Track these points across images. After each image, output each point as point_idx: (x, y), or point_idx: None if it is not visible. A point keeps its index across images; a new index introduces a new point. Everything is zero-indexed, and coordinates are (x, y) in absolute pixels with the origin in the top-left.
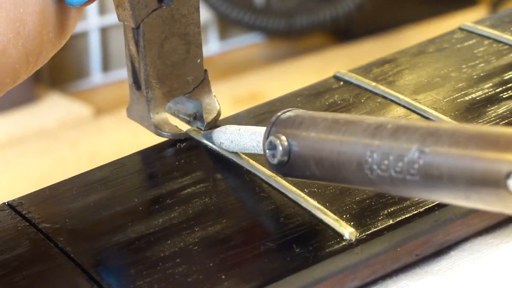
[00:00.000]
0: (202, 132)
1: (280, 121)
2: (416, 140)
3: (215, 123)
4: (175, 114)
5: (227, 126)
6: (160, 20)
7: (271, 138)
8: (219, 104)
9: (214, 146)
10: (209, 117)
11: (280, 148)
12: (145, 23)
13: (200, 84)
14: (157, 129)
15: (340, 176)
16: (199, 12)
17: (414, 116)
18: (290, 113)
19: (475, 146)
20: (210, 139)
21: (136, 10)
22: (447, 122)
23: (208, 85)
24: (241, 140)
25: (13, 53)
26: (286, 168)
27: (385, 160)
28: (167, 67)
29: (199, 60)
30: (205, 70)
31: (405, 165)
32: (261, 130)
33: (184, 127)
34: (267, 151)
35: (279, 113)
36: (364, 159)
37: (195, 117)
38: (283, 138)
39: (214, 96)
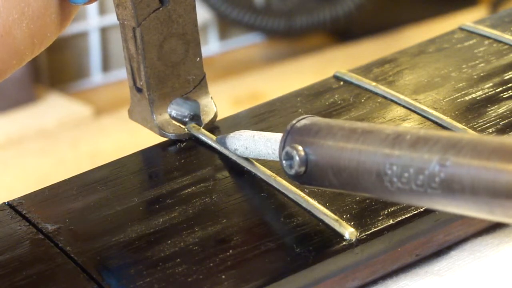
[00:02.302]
0: (201, 128)
1: (295, 130)
2: (437, 153)
3: (212, 125)
4: (170, 115)
5: (241, 131)
6: (157, 21)
7: (287, 149)
8: (215, 106)
9: (215, 145)
10: (206, 119)
11: (297, 158)
12: (143, 26)
13: (199, 83)
14: (161, 130)
15: (360, 187)
16: (195, 10)
17: (415, 116)
18: (305, 121)
19: (498, 159)
20: (224, 144)
21: (138, 9)
22: (467, 132)
23: (206, 86)
24: (256, 147)
25: (18, 33)
26: (304, 178)
27: (405, 173)
28: (167, 68)
29: (198, 59)
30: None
31: (426, 178)
32: (276, 137)
33: None
34: (284, 161)
35: (294, 121)
36: (383, 171)
37: (192, 119)
38: (300, 148)
39: (211, 98)
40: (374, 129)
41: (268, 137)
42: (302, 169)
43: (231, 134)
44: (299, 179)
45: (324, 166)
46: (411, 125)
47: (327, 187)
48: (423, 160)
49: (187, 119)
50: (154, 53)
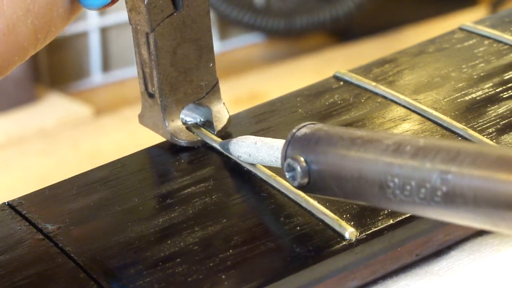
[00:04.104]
0: (201, 128)
1: (296, 140)
2: (437, 165)
3: (225, 131)
4: (182, 121)
5: (243, 137)
6: (171, 27)
7: (289, 160)
8: (228, 112)
9: (215, 145)
10: (219, 125)
11: (299, 170)
12: (156, 32)
13: (211, 89)
14: (173, 137)
15: (364, 198)
16: (209, 16)
17: (415, 116)
18: (305, 129)
19: (498, 170)
20: (227, 150)
21: (152, 14)
22: (467, 142)
23: (218, 92)
24: (258, 155)
25: (22, 30)
26: (308, 188)
27: (407, 186)
28: (180, 74)
29: (211, 64)
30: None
31: (428, 191)
32: (278, 144)
33: None
34: (287, 173)
35: (294, 130)
36: (385, 184)
37: (204, 125)
38: (302, 159)
39: (224, 103)
40: (373, 139)
41: (270, 144)
42: (305, 180)
43: (234, 140)
44: (303, 190)
45: (327, 177)
46: (411, 125)
47: (333, 197)
48: (424, 173)
49: (199, 126)
50: (167, 59)
